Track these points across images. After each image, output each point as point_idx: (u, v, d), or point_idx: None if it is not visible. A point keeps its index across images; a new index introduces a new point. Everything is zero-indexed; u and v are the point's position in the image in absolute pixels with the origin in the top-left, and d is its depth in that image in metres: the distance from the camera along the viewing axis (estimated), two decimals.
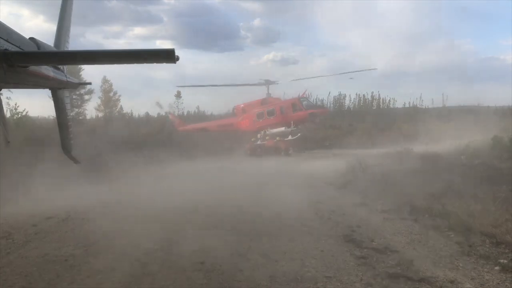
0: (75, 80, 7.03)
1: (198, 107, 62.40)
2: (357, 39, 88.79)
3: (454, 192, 12.08)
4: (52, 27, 6.80)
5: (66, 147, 6.52)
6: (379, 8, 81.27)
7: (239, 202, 12.51)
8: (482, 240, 8.41)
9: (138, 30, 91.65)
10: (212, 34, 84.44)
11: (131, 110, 51.90)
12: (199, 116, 60.76)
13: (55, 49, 5.97)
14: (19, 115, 20.33)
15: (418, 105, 63.30)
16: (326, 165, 22.17)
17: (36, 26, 71.01)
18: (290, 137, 28.15)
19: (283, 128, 28.03)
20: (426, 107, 62.41)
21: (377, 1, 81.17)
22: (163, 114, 33.43)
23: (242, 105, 30.30)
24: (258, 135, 32.08)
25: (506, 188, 11.72)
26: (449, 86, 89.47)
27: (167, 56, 3.98)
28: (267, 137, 33.08)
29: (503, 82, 71.76)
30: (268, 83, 28.67)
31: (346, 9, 77.69)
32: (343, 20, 79.86)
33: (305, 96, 28.22)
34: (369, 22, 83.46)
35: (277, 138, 29.02)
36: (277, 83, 29.22)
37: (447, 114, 46.02)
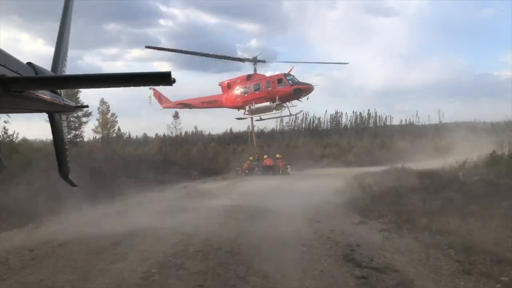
0: (73, 104, 7.03)
1: (196, 127, 62.73)
2: (353, 58, 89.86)
3: (453, 209, 12.04)
4: (51, 51, 6.82)
5: (63, 171, 6.46)
6: (374, 27, 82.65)
7: (237, 223, 12.41)
8: (483, 258, 8.31)
9: (136, 52, 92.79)
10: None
11: (129, 131, 52.11)
12: (197, 136, 60.98)
13: (52, 74, 5.99)
14: (16, 140, 20.29)
15: (414, 122, 63.90)
16: (325, 183, 22.13)
17: (35, 50, 71.83)
18: (274, 112, 27.80)
19: (268, 103, 27.67)
20: (423, 123, 62.94)
21: (372, 20, 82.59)
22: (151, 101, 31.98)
23: (227, 81, 29.76)
24: (251, 158, 31.99)
25: (506, 205, 11.68)
26: (445, 102, 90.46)
27: (164, 78, 3.96)
28: (265, 156, 33.08)
29: (498, 98, 72.67)
30: (255, 60, 28.37)
31: (342, 28, 78.87)
32: (339, 40, 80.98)
33: (291, 73, 27.77)
34: (365, 41, 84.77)
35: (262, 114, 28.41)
36: (265, 62, 28.80)
37: (444, 131, 46.25)
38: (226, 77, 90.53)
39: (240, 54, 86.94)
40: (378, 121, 65.20)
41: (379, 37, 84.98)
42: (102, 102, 39.68)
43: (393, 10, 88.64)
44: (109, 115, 39.87)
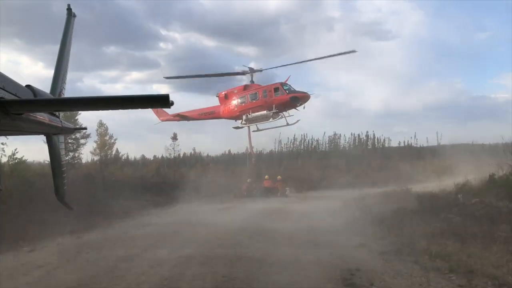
0: (71, 126, 7.05)
1: (194, 149, 62.67)
2: (351, 80, 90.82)
3: (453, 232, 11.94)
4: (51, 74, 6.90)
5: (59, 193, 6.43)
6: (372, 50, 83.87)
7: (234, 248, 12.24)
8: (484, 282, 8.19)
9: (135, 75, 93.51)
10: (209, 77, 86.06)
11: (127, 153, 51.98)
12: (196, 158, 60.92)
13: (51, 96, 6.02)
14: (15, 161, 20.17)
15: (413, 144, 64.04)
16: (324, 205, 22.00)
17: (35, 73, 72.37)
18: (271, 120, 27.69)
19: (265, 112, 27.59)
20: (421, 145, 63.08)
21: (370, 43, 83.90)
22: None
23: (225, 92, 29.77)
24: (249, 180, 31.87)
25: (506, 227, 11.60)
26: (443, 124, 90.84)
27: (162, 101, 4.02)
28: (266, 177, 32.95)
29: (496, 120, 73.02)
30: (252, 71, 28.47)
31: (339, 51, 79.90)
32: (336, 63, 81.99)
33: (287, 83, 27.87)
34: (362, 63, 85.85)
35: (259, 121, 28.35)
36: (261, 70, 28.89)
37: (442, 152, 46.28)
38: None
39: (238, 77, 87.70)
40: (376, 143, 65.35)
41: (377, 59, 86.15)
42: (101, 124, 39.73)
43: (390, 33, 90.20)
44: (107, 137, 39.85)
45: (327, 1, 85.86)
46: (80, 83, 73.97)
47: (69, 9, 7.36)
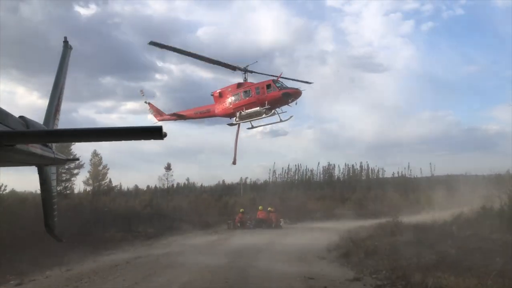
0: (63, 157, 7.02)
1: (188, 179, 62.37)
2: (345, 112, 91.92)
3: (448, 264, 11.81)
4: (46, 104, 6.97)
5: (49, 225, 6.34)
6: (364, 82, 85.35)
7: (227, 281, 12.01)
8: None
9: (131, 105, 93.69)
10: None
11: (120, 183, 51.57)
12: (189, 188, 60.55)
13: (44, 127, 6.04)
14: (4, 192, 19.96)
15: (406, 175, 64.23)
16: (318, 237, 21.79)
17: (30, 103, 72.42)
18: (264, 116, 27.78)
19: (257, 108, 27.81)
20: (415, 176, 63.26)
21: (362, 75, 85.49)
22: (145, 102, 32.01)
23: (219, 90, 30.18)
24: (241, 210, 31.64)
25: (500, 260, 11.51)
26: (437, 155, 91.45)
27: (155, 133, 4.05)
28: (260, 207, 32.70)
29: (488, 151, 73.63)
30: (245, 70, 28.70)
31: (332, 83, 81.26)
32: (330, 94, 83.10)
33: (280, 80, 28.23)
34: (355, 95, 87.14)
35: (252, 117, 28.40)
36: (252, 72, 29.08)
37: (436, 183, 46.33)
38: (219, 129, 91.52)
39: None
40: (370, 174, 65.49)
41: (369, 91, 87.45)
42: (95, 154, 39.59)
43: (381, 66, 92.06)
44: (100, 167, 39.62)
45: (320, 35, 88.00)
46: (75, 114, 74.06)
47: (65, 42, 7.49)
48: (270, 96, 27.38)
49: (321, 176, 65.82)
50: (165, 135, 4.20)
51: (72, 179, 34.82)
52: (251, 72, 28.63)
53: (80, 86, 64.41)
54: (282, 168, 64.27)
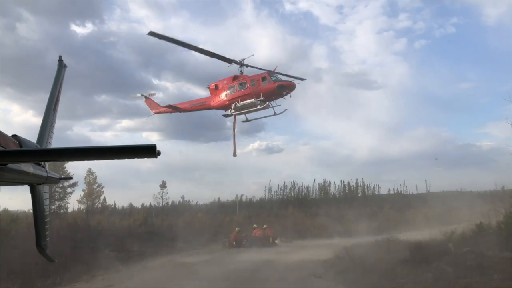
0: (56, 175, 6.96)
1: (183, 197, 61.97)
2: (340, 129, 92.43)
3: (445, 282, 11.73)
4: (41, 121, 6.98)
5: (41, 245, 6.23)
6: (358, 99, 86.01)
7: None
8: None
9: (126, 123, 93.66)
10: (199, 125, 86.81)
11: (114, 202, 51.19)
12: (184, 206, 60.12)
13: (37, 146, 6.00)
14: None
15: (402, 191, 64.21)
16: (315, 255, 21.60)
17: (25, 121, 72.27)
18: (259, 107, 27.80)
19: (253, 100, 27.83)
20: (411, 193, 63.25)
21: (357, 93, 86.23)
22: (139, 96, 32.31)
23: (215, 83, 30.17)
24: (237, 229, 31.44)
25: (498, 278, 11.44)
26: (432, 172, 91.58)
27: (149, 151, 4.01)
28: (254, 226, 32.45)
29: (483, 168, 73.88)
30: (241, 63, 28.78)
31: (327, 100, 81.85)
32: (324, 111, 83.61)
33: (275, 72, 28.30)
34: (350, 112, 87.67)
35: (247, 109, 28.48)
36: (248, 66, 29.16)
37: (431, 200, 46.37)
38: (214, 146, 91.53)
39: (229, 125, 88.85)
40: (366, 191, 65.40)
41: (364, 108, 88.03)
42: (89, 172, 39.35)
43: (376, 83, 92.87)
44: (95, 186, 39.33)
45: (314, 53, 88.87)
46: (70, 131, 73.84)
47: (60, 60, 7.52)
48: (265, 88, 27.82)
49: (317, 193, 65.70)
50: (159, 153, 4.18)
51: (66, 197, 34.54)
52: (247, 66, 29.01)
53: (75, 104, 64.47)
54: (278, 185, 64.07)
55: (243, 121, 30.17)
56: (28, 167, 5.28)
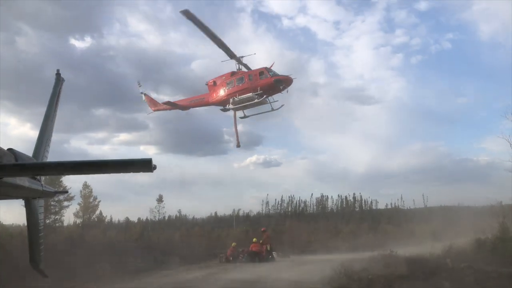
0: (52, 189, 6.94)
1: (179, 211, 61.66)
2: (337, 143, 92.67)
3: None
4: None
5: (34, 260, 6.19)
6: (356, 114, 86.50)
7: None
8: None
9: (123, 136, 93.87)
10: (197, 139, 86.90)
11: (111, 215, 50.83)
12: (181, 220, 59.78)
13: (33, 160, 6.00)
14: None
15: (400, 206, 64.10)
16: (312, 271, 21.41)
17: (22, 134, 72.16)
18: (256, 101, 27.85)
19: (250, 94, 27.93)
20: (408, 207, 63.15)
21: (354, 107, 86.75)
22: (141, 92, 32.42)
23: (213, 79, 30.35)
24: (233, 244, 31.28)
25: None
26: (429, 186, 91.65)
27: (145, 165, 4.03)
28: (254, 240, 32.17)
29: (480, 182, 74.01)
30: (239, 60, 28.92)
31: (324, 115, 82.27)
32: (322, 125, 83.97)
33: (272, 69, 28.54)
34: (348, 126, 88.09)
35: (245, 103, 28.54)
36: (246, 65, 29.36)
37: (429, 215, 46.27)
38: (211, 160, 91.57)
39: (226, 138, 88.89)
40: (364, 205, 65.28)
41: (361, 123, 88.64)
42: (85, 185, 39.14)
43: (373, 98, 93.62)
44: (91, 199, 39.09)
45: (312, 68, 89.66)
46: (67, 145, 73.74)
47: (58, 74, 7.56)
48: (263, 82, 28.13)
49: (314, 207, 65.57)
50: (155, 167, 4.19)
51: (62, 211, 34.28)
52: (245, 65, 29.36)
53: (73, 118, 64.59)
54: (275, 199, 64.10)
55: (241, 117, 30.46)
56: (23, 181, 5.27)
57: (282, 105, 29.29)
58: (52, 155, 7.40)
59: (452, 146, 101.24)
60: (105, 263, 22.42)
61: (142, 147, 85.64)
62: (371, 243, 33.38)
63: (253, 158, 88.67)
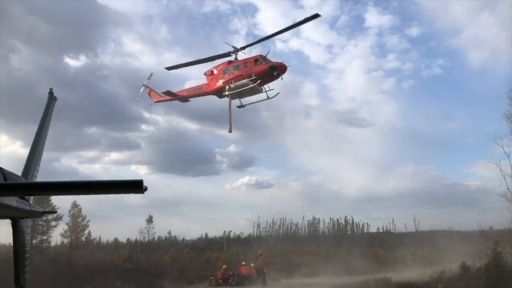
0: (40, 209, 6.83)
1: (169, 232, 60.89)
2: (330, 165, 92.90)
3: None
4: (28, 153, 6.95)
5: (19, 282, 6.04)
6: (348, 136, 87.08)
7: None
8: None
9: (115, 155, 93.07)
10: (189, 159, 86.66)
11: (99, 236, 49.98)
12: (171, 241, 58.99)
13: (22, 179, 5.93)
14: None
15: (391, 230, 63.93)
16: None
17: (12, 152, 71.38)
18: (250, 85, 28.14)
19: (245, 80, 28.20)
20: (400, 231, 63.02)
21: (346, 130, 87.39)
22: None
23: (211, 68, 30.81)
24: (224, 267, 30.95)
25: None
26: (421, 210, 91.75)
27: (135, 187, 3.99)
28: (243, 263, 31.74)
29: (471, 207, 74.34)
30: (236, 50, 29.31)
31: (317, 137, 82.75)
32: (314, 147, 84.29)
33: (267, 57, 28.94)
34: (340, 149, 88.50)
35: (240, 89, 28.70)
36: (245, 53, 29.78)
37: (420, 239, 46.20)
38: (203, 180, 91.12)
39: (218, 159, 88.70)
40: (355, 228, 65.03)
41: (354, 145, 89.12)
42: (74, 205, 38.56)
43: (365, 121, 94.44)
44: (80, 219, 38.45)
45: (305, 90, 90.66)
46: (57, 163, 72.99)
47: (50, 93, 7.55)
48: (258, 69, 28.71)
49: (306, 230, 65.15)
50: (146, 188, 4.16)
51: (50, 231, 33.66)
52: (243, 48, 29.97)
53: (64, 136, 64.11)
54: (267, 221, 63.57)
55: (237, 106, 30.93)
56: (11, 201, 5.18)
57: (278, 93, 29.96)
58: (42, 173, 7.31)
59: (442, 170, 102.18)
60: (92, 285, 21.97)
61: (133, 167, 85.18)
62: (363, 267, 33.13)
63: (245, 179, 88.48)
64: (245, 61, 29.60)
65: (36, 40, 69.24)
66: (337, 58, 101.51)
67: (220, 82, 30.09)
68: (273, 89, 29.58)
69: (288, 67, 29.06)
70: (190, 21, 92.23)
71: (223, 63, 30.94)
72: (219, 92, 30.62)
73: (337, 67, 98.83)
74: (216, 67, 31.02)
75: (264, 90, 29.53)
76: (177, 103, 34.03)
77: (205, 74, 31.68)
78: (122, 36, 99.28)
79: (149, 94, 33.17)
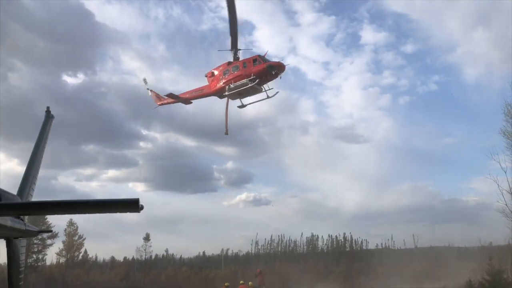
0: (35, 228, 6.76)
1: (167, 250, 60.26)
2: (328, 181, 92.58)
3: None
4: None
5: None
6: (345, 152, 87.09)
7: None
8: None
9: (112, 173, 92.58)
10: (186, 176, 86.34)
11: (96, 254, 49.45)
12: (168, 260, 58.34)
13: (17, 198, 5.88)
14: None
15: (390, 246, 63.45)
16: None
17: (9, 169, 70.97)
18: (249, 85, 28.25)
19: (244, 80, 28.28)
20: (399, 247, 62.55)
21: (343, 146, 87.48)
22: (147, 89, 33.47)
23: (212, 70, 31.05)
24: (226, 284, 30.57)
25: None
26: (419, 226, 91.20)
27: (131, 205, 3.97)
28: (241, 282, 31.33)
29: (469, 223, 73.86)
30: (235, 49, 29.51)
31: (314, 153, 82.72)
32: (312, 163, 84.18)
33: (265, 57, 29.08)
34: (337, 164, 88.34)
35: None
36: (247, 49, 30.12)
37: (419, 255, 45.85)
38: (200, 198, 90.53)
39: (216, 176, 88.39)
40: (354, 245, 64.49)
41: (351, 161, 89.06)
42: (70, 223, 38.21)
43: (362, 137, 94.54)
44: (76, 237, 38.06)
45: (302, 107, 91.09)
46: (54, 181, 72.48)
47: (48, 111, 7.55)
48: (256, 68, 29.03)
49: (305, 247, 64.55)
50: (142, 207, 4.14)
51: (45, 249, 33.28)
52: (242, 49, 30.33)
53: (61, 153, 63.76)
54: (265, 239, 62.93)
55: (238, 106, 31.24)
56: (5, 221, 5.12)
57: (277, 92, 30.19)
58: (39, 191, 7.26)
59: (440, 186, 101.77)
60: None
61: (130, 184, 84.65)
62: (362, 284, 32.78)
63: (243, 196, 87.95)
64: (244, 62, 30.12)
65: (35, 58, 69.70)
66: (333, 75, 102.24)
67: (220, 83, 30.57)
68: (272, 88, 29.97)
69: (286, 66, 29.44)
70: (188, 39, 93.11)
71: (223, 64, 31.51)
72: (220, 93, 31.11)
73: (333, 83, 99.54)
74: (216, 68, 31.56)
75: (263, 90, 29.93)
76: (178, 105, 34.71)
77: (206, 76, 32.23)
78: (120, 54, 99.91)
79: (153, 96, 33.76)
